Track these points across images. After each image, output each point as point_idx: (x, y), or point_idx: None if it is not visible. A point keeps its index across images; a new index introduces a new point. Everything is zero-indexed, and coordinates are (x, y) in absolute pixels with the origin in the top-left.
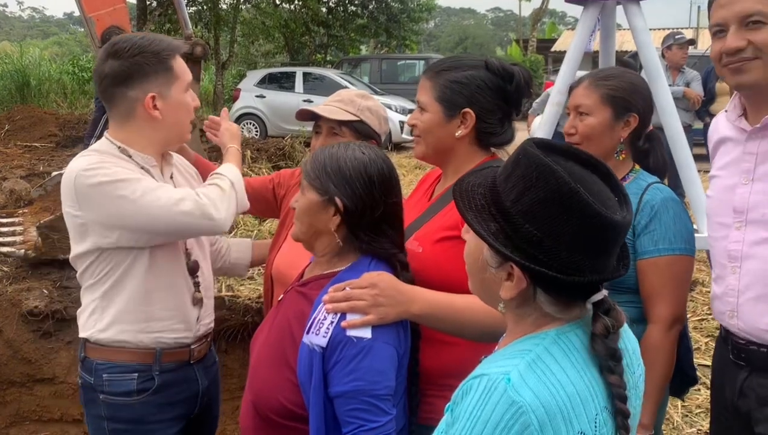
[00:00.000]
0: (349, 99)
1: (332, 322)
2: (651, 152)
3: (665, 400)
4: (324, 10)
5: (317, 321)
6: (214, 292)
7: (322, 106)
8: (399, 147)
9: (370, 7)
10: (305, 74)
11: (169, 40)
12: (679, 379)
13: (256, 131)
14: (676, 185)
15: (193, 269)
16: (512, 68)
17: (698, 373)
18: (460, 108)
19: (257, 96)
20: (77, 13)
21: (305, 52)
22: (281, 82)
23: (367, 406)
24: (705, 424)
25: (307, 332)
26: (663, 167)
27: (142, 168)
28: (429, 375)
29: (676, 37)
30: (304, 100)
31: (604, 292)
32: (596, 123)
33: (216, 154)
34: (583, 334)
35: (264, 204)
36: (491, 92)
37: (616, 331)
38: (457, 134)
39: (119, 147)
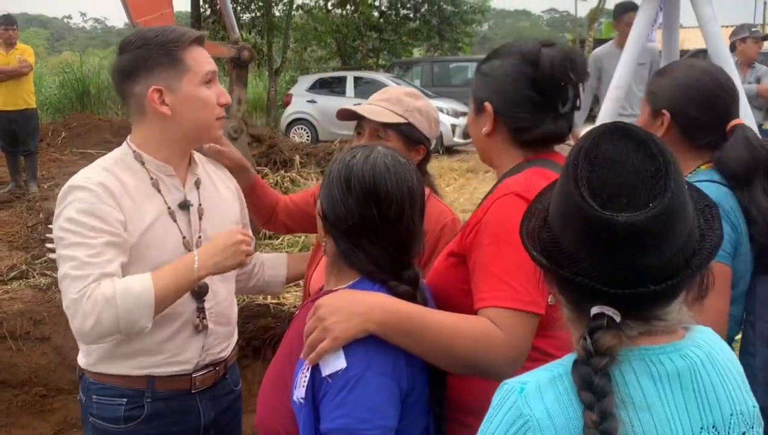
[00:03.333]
0: (396, 98)
1: (308, 369)
2: (720, 149)
3: None
4: (376, 14)
5: (300, 374)
6: (235, 303)
7: (366, 105)
8: (451, 151)
9: (422, 10)
10: (356, 78)
11: (182, 30)
12: None
13: (308, 136)
14: None
15: (199, 293)
16: None
17: None
18: None
19: (308, 101)
20: None
21: (357, 56)
22: (332, 86)
23: None
24: None
25: (295, 388)
26: (737, 167)
27: (152, 178)
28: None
29: (752, 29)
30: (355, 105)
31: (608, 309)
32: (639, 123)
33: (264, 160)
34: (635, 361)
35: (304, 219)
36: None
37: (598, 356)
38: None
39: (134, 151)
